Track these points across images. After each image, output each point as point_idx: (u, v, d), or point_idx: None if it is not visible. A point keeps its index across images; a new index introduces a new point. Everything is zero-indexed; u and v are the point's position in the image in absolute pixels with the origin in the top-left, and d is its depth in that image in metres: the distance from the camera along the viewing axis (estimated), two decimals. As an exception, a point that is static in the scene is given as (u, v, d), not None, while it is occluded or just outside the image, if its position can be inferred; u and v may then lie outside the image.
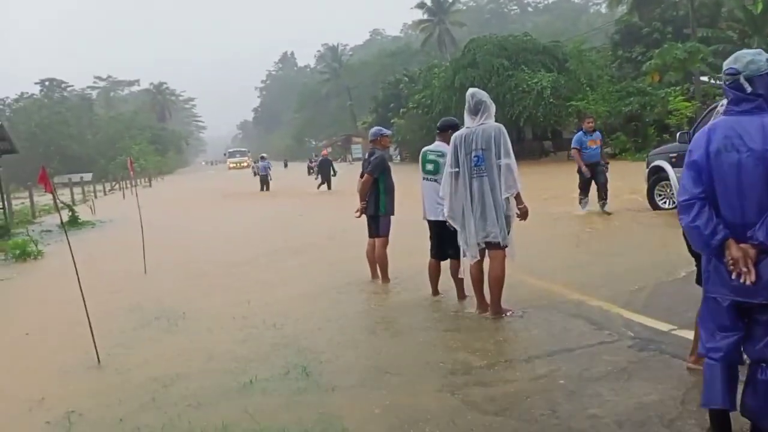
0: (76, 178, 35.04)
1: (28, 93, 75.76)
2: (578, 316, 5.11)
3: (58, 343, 5.70)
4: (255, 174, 27.82)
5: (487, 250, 5.17)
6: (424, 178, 5.93)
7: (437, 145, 5.89)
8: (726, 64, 2.81)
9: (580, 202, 11.30)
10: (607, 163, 11.56)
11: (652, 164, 11.05)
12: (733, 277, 2.69)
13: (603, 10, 66.24)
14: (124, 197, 27.92)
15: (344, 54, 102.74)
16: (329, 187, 23.29)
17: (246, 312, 6.04)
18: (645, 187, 11.21)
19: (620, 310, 5.13)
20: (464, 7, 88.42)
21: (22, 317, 6.91)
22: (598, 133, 11.51)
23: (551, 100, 29.50)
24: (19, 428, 3.92)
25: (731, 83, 2.76)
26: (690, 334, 3.95)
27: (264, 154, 30.81)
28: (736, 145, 2.68)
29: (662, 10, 35.56)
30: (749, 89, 2.70)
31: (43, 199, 22.90)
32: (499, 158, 4.94)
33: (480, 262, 5.26)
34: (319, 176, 24.21)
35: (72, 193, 27.04)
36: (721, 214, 2.73)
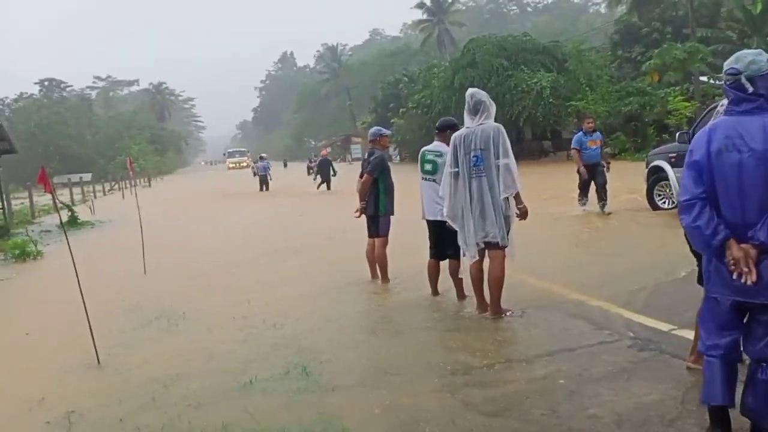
0: (75, 178, 35.05)
1: (27, 93, 75.84)
2: (578, 316, 5.11)
3: (58, 343, 5.70)
4: (255, 174, 27.80)
5: (486, 251, 5.18)
6: (422, 178, 5.93)
7: (436, 145, 5.89)
8: (727, 64, 2.81)
9: (579, 202, 11.30)
10: (609, 164, 11.54)
11: (652, 164, 11.05)
12: (734, 277, 2.70)
13: (602, 10, 66.29)
14: (123, 197, 27.91)
15: (344, 54, 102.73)
16: (329, 187, 23.28)
17: (246, 312, 6.05)
18: (644, 187, 11.20)
19: (620, 310, 5.14)
20: (463, 7, 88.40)
21: (21, 317, 6.91)
22: (598, 133, 11.49)
23: (551, 100, 29.50)
24: (20, 428, 3.92)
25: (732, 83, 2.76)
26: (690, 334, 3.96)
27: (263, 154, 30.79)
28: (738, 145, 2.68)
29: (662, 10, 35.58)
30: (751, 89, 2.70)
31: (43, 199, 22.87)
32: (498, 158, 4.95)
33: (480, 262, 5.27)
34: (318, 176, 24.19)
35: (71, 194, 27.03)
36: (721, 215, 2.73)
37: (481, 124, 5.09)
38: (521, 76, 30.80)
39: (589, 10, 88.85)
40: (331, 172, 23.68)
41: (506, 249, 5.12)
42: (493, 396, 3.69)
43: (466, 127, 5.18)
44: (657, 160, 11.00)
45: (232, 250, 10.41)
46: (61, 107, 71.34)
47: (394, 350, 4.68)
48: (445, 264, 5.89)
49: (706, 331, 2.94)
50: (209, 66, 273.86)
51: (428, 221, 5.93)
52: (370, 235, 6.92)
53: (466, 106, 5.21)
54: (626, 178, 12.53)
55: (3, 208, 16.86)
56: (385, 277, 6.83)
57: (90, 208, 20.41)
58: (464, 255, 5.34)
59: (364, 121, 59.41)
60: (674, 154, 10.37)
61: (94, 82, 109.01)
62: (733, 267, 2.69)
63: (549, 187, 15.31)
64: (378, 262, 6.85)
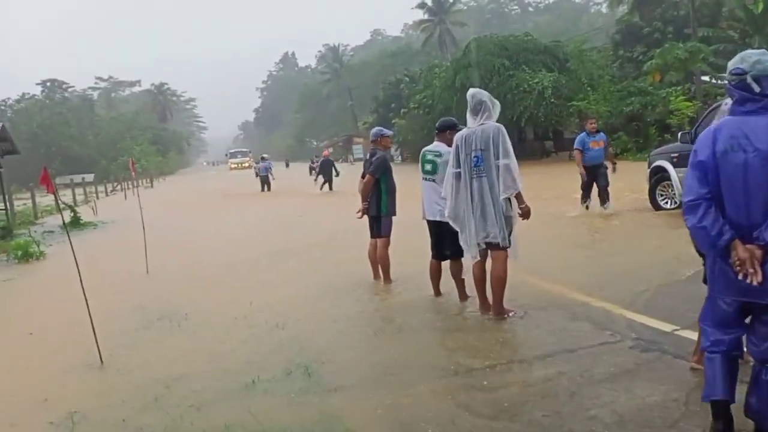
0: (77, 178, 35.05)
1: (29, 94, 75.99)
2: (580, 316, 5.10)
3: (61, 343, 5.71)
4: (257, 175, 27.78)
5: (489, 251, 5.18)
6: (423, 179, 5.94)
7: (436, 145, 5.90)
8: (731, 64, 2.80)
9: (582, 203, 11.27)
10: (615, 164, 11.49)
11: (654, 164, 11.03)
12: (740, 277, 2.69)
13: (604, 9, 66.15)
14: (125, 198, 27.96)
15: (345, 54, 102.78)
16: (331, 188, 23.29)
17: (248, 312, 6.05)
18: (646, 187, 11.19)
19: (622, 310, 5.13)
20: (465, 7, 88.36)
21: (24, 318, 6.92)
22: (602, 134, 11.43)
23: (552, 100, 29.47)
24: (23, 428, 3.93)
25: (737, 83, 2.76)
26: (692, 335, 3.95)
27: (265, 155, 30.81)
28: (743, 145, 2.68)
29: (663, 9, 35.51)
30: (757, 89, 2.70)
31: (45, 200, 22.91)
32: (498, 159, 4.95)
33: (482, 263, 5.27)
34: (319, 177, 24.17)
35: (74, 194, 27.07)
36: (726, 215, 2.73)
37: (481, 124, 5.09)
38: (523, 76, 30.77)
39: (591, 10, 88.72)
40: (334, 173, 23.69)
41: (509, 249, 5.11)
42: (495, 397, 3.69)
43: (468, 128, 5.19)
44: (659, 160, 10.98)
45: (234, 250, 10.42)
46: (63, 108, 71.47)
47: (396, 351, 4.68)
48: (446, 264, 5.89)
49: (709, 329, 2.95)
50: (209, 66, 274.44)
51: (428, 221, 5.94)
52: (372, 236, 6.92)
53: (468, 107, 5.22)
54: (628, 179, 12.50)
55: (5, 208, 16.89)
56: (387, 278, 6.83)
57: (92, 209, 20.43)
58: (469, 256, 5.34)
59: (366, 122, 59.43)
60: (676, 154, 10.36)
61: (96, 83, 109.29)
62: (738, 268, 2.69)
63: (551, 188, 15.30)
64: (380, 262, 6.85)
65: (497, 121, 5.13)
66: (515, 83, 30.60)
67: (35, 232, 14.59)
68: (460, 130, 5.45)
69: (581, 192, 11.26)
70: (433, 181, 5.77)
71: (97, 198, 29.88)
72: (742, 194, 2.69)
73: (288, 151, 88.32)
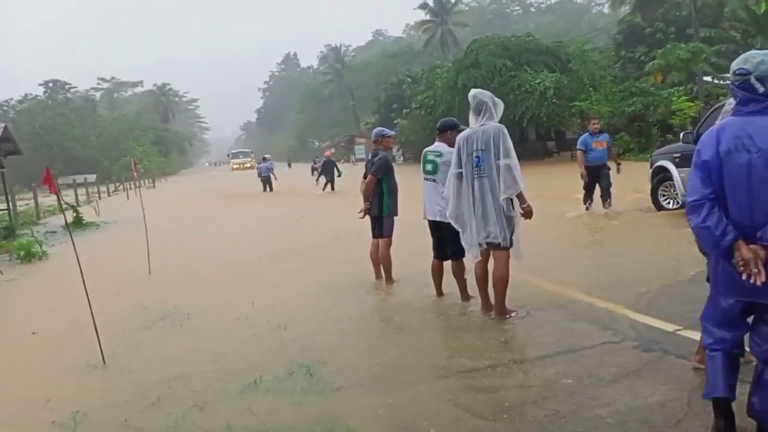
0: (80, 179, 35.13)
1: (32, 94, 76.18)
2: (582, 316, 5.10)
3: (63, 343, 5.72)
4: (259, 175, 27.80)
5: (491, 251, 5.18)
6: (424, 179, 5.95)
7: (436, 145, 5.91)
8: (735, 65, 2.80)
9: (584, 203, 11.26)
10: (620, 164, 11.46)
11: (656, 164, 11.01)
12: (744, 277, 2.69)
13: (606, 10, 66.17)
14: (128, 198, 28.02)
15: (347, 55, 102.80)
16: (332, 188, 23.30)
17: (250, 313, 6.05)
18: (648, 187, 11.17)
19: (625, 310, 5.12)
20: (467, 8, 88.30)
21: (26, 318, 6.93)
22: (605, 135, 11.40)
23: (554, 100, 29.45)
24: (25, 428, 3.94)
25: (741, 83, 2.76)
26: (695, 335, 3.95)
27: (267, 155, 30.85)
28: (747, 146, 2.68)
29: (665, 10, 35.49)
30: (761, 90, 2.70)
31: (48, 200, 22.95)
32: (498, 159, 4.95)
33: (485, 263, 5.27)
34: (321, 177, 24.18)
35: (76, 194, 27.12)
36: (729, 215, 2.73)
37: (483, 124, 5.09)
38: (524, 76, 30.76)
39: (592, 11, 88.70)
40: (336, 173, 23.70)
41: (513, 250, 5.11)
42: (496, 397, 3.69)
43: (470, 128, 5.19)
44: (661, 160, 10.96)
45: (236, 251, 10.43)
46: (66, 108, 71.65)
47: (397, 351, 4.68)
48: (448, 265, 5.89)
49: (710, 328, 2.95)
50: (209, 66, 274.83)
51: (429, 221, 5.94)
52: (374, 236, 6.92)
53: (470, 107, 5.23)
54: (630, 179, 12.48)
55: (8, 209, 16.94)
56: (389, 278, 6.83)
57: (95, 209, 20.48)
58: (470, 255, 5.34)
59: (368, 122, 59.46)
60: (678, 155, 10.35)
61: (98, 84, 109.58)
62: (742, 268, 2.69)
63: (553, 188, 15.29)
64: (382, 262, 6.86)
65: (500, 121, 5.13)
66: (517, 84, 30.58)
67: (38, 232, 14.60)
68: (461, 130, 5.46)
69: (583, 192, 11.25)
70: (434, 181, 5.78)
71: (100, 198, 29.92)
72: (746, 194, 2.69)
73: (290, 152, 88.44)
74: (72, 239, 5.51)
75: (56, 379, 4.73)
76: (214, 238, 12.63)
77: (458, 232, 5.32)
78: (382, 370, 4.27)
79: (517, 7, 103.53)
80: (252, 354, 4.85)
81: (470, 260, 5.40)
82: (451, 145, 5.58)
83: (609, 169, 11.05)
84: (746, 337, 2.94)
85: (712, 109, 9.84)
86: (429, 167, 5.87)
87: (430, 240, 6.05)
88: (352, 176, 18.97)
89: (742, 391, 3.00)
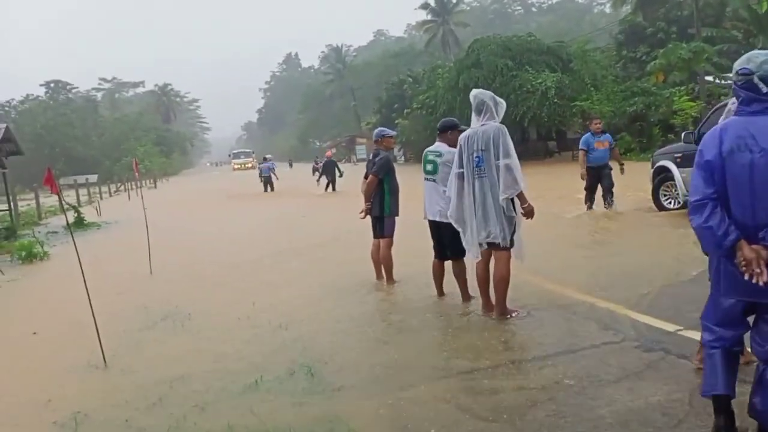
0: (81, 179, 35.16)
1: (33, 95, 76.21)
2: (584, 316, 5.10)
3: (64, 343, 5.72)
4: (260, 176, 27.83)
5: (492, 251, 5.17)
6: (424, 179, 5.95)
7: (437, 145, 5.91)
8: (738, 65, 2.80)
9: (585, 204, 11.25)
10: (623, 165, 11.42)
11: (657, 164, 11.01)
12: (746, 278, 2.69)
13: (607, 10, 66.05)
14: (129, 198, 28.03)
15: (348, 55, 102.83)
16: (334, 188, 23.31)
17: (251, 313, 6.06)
18: (650, 187, 11.16)
19: (626, 310, 5.11)
20: (468, 8, 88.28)
21: (28, 318, 6.93)
22: (608, 135, 11.37)
23: (555, 100, 29.45)
24: (26, 428, 3.94)
25: (743, 83, 2.75)
26: (696, 335, 3.94)
27: (268, 155, 30.87)
28: (750, 146, 2.68)
29: (666, 9, 35.47)
30: (764, 89, 2.70)
31: (49, 200, 22.97)
32: (498, 159, 4.95)
33: (486, 262, 5.27)
34: (322, 177, 24.18)
35: (77, 195, 27.13)
36: (732, 215, 2.73)
37: (483, 124, 5.09)
38: (526, 76, 30.76)
39: (594, 10, 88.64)
40: (337, 173, 23.71)
41: (515, 251, 5.11)
42: (497, 397, 3.69)
43: (471, 128, 5.19)
44: (662, 160, 10.95)
45: (237, 251, 10.43)
46: (67, 109, 71.67)
47: (398, 351, 4.68)
48: (450, 265, 5.89)
49: (710, 326, 2.95)
50: (210, 66, 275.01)
51: (429, 221, 5.95)
52: (375, 236, 6.92)
53: (471, 107, 5.23)
54: (632, 179, 12.47)
55: (10, 209, 16.96)
56: (390, 278, 6.82)
57: (96, 210, 20.50)
58: (470, 255, 5.34)
59: (369, 122, 59.48)
60: (680, 154, 10.34)
61: (99, 84, 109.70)
62: (744, 268, 2.68)
63: (554, 187, 15.28)
64: (383, 262, 6.85)
65: (501, 121, 5.13)
66: (518, 83, 30.59)
67: (39, 232, 14.62)
68: (462, 130, 5.47)
69: (585, 193, 11.24)
70: (434, 181, 5.78)
71: (101, 199, 29.97)
72: (748, 194, 2.69)
73: (291, 152, 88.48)
74: (73, 239, 5.51)
75: (57, 379, 4.73)
76: (215, 238, 12.64)
77: (458, 233, 5.32)
78: (383, 371, 4.27)
79: (519, 7, 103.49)
80: (253, 354, 4.85)
81: (471, 260, 5.39)
82: (452, 145, 5.58)
83: (611, 169, 11.03)
84: (746, 337, 2.94)
85: (713, 109, 9.82)
86: (429, 167, 5.88)
87: (431, 240, 6.05)
88: (353, 176, 18.98)
89: (743, 391, 3.00)
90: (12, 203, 17.31)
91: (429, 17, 73.65)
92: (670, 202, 10.79)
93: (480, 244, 5.15)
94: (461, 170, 5.19)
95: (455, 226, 5.31)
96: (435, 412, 3.54)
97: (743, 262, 2.68)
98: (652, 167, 11.18)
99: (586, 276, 6.50)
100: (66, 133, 64.45)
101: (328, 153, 28.09)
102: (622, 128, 25.97)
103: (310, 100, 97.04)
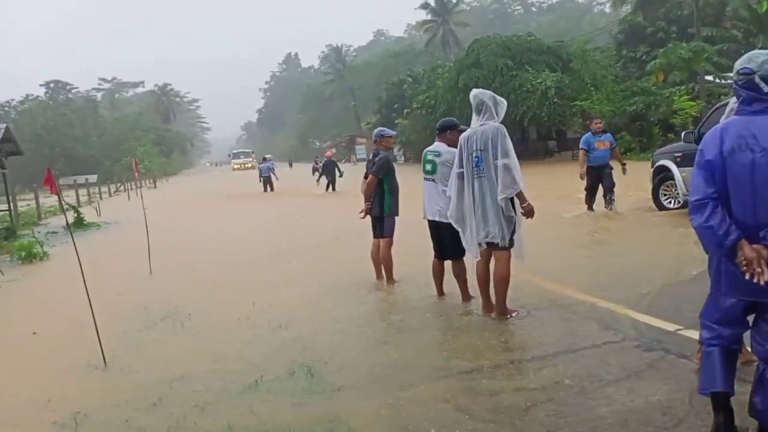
0: (81, 179, 35.15)
1: (33, 95, 76.19)
2: (584, 316, 5.10)
3: (64, 344, 5.72)
4: (260, 176, 27.83)
5: (492, 251, 5.17)
6: (424, 179, 5.95)
7: (436, 145, 5.91)
8: (739, 64, 2.80)
9: (586, 203, 11.24)
10: (624, 165, 11.41)
11: (657, 164, 11.00)
12: (747, 277, 2.69)
13: (607, 9, 66.07)
14: (129, 198, 28.03)
15: (348, 55, 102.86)
16: (334, 188, 23.31)
17: (251, 313, 6.05)
18: (650, 186, 11.16)
19: (626, 310, 5.11)
20: (468, 8, 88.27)
21: (27, 318, 6.93)
22: (608, 135, 11.35)
23: (555, 100, 29.46)
24: (26, 428, 3.94)
25: (744, 83, 2.76)
26: (696, 334, 3.92)
27: (268, 155, 30.88)
28: (751, 145, 2.68)
29: (666, 9, 35.48)
30: (765, 89, 2.70)
31: (49, 200, 22.97)
32: (497, 159, 4.95)
33: (486, 262, 5.26)
34: (322, 177, 24.18)
35: (77, 195, 27.13)
36: (733, 215, 2.73)
37: (482, 124, 5.09)
38: (526, 76, 30.76)
39: (594, 10, 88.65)
40: (337, 173, 23.71)
41: (515, 251, 5.11)
42: (497, 397, 3.68)
43: (471, 128, 5.19)
44: (662, 159, 10.95)
45: (237, 251, 10.43)
46: (67, 109, 71.66)
47: (398, 351, 4.67)
48: (450, 264, 5.88)
49: (709, 324, 2.95)
50: (209, 66, 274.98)
51: (428, 221, 5.95)
52: (375, 236, 6.92)
53: (471, 107, 5.23)
54: (632, 178, 12.46)
55: (9, 209, 16.95)
56: (390, 278, 6.82)
57: (96, 210, 20.50)
58: (470, 255, 5.33)
59: (369, 122, 59.48)
60: (680, 154, 10.34)
61: (99, 84, 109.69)
62: (745, 268, 2.68)
63: (554, 187, 15.28)
64: (383, 262, 6.85)
65: (501, 121, 5.13)
66: (518, 83, 30.59)
67: (39, 232, 14.61)
68: (461, 130, 5.46)
69: (585, 193, 11.23)
70: (433, 181, 5.78)
71: (101, 199, 29.96)
72: (749, 194, 2.69)
73: (291, 152, 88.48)
74: (73, 239, 5.51)
75: (57, 379, 4.73)
76: (215, 238, 12.64)
77: (458, 232, 5.32)
78: (383, 371, 4.27)
79: (519, 7, 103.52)
80: (253, 354, 4.85)
81: (471, 260, 5.39)
82: (451, 144, 5.58)
83: (611, 168, 11.02)
84: (746, 336, 2.94)
85: (713, 109, 9.83)
86: (428, 167, 5.88)
87: (430, 240, 6.04)
88: (353, 176, 18.99)
89: (744, 390, 2.99)
90: (12, 203, 17.30)
91: (429, 17, 73.66)
92: (670, 202, 10.79)
93: (479, 244, 5.15)
94: (461, 170, 5.19)
95: (455, 226, 5.31)
96: (435, 412, 3.53)
97: (744, 262, 2.68)
98: (652, 167, 11.18)
99: (586, 276, 6.50)
100: (66, 133, 64.44)
101: (328, 153, 28.09)
102: (622, 128, 25.98)
103: (310, 100, 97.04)
